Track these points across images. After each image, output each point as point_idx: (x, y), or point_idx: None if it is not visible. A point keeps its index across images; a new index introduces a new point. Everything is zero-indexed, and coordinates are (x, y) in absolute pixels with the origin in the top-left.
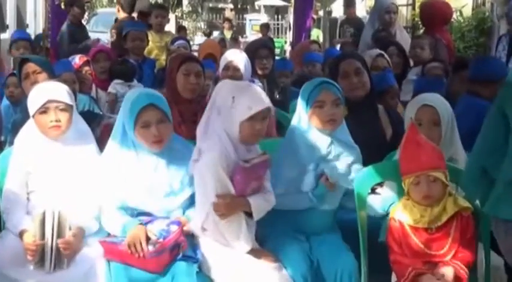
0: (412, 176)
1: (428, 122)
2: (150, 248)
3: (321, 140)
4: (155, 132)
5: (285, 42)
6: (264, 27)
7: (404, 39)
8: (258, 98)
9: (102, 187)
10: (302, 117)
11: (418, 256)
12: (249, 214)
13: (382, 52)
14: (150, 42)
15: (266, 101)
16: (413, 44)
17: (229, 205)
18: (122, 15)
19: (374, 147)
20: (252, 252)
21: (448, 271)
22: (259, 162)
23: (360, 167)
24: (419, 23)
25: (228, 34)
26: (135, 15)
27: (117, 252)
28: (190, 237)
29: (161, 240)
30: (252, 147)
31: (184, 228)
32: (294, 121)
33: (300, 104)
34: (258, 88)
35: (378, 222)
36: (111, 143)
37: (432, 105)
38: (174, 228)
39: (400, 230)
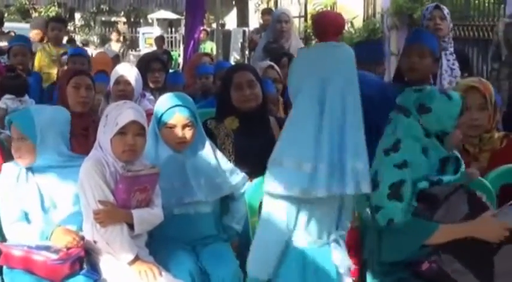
0: None
1: None
2: (54, 255)
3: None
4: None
5: (179, 55)
6: (160, 40)
7: None
8: (126, 113)
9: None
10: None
11: None
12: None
13: (272, 64)
14: (44, 56)
15: (134, 116)
16: None
17: (109, 213)
18: None
19: (266, 158)
20: (139, 262)
21: None
22: (145, 174)
23: None
24: (312, 34)
25: (116, 47)
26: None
27: (15, 258)
28: (92, 253)
29: (65, 249)
30: (140, 160)
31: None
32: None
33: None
34: (133, 105)
35: None
36: None
37: None
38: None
39: None
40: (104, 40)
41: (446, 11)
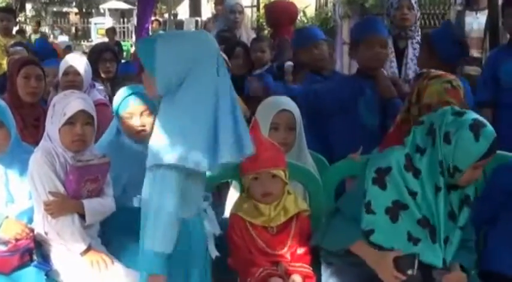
0: (252, 173)
1: (285, 126)
2: (2, 247)
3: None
4: None
5: (131, 45)
6: (110, 31)
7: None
8: (74, 103)
9: None
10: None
11: (261, 255)
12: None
13: (221, 52)
14: None
15: (82, 105)
16: (254, 47)
17: (59, 204)
18: None
19: None
20: (91, 253)
21: (297, 279)
22: (95, 164)
23: None
24: (264, 24)
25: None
26: None
27: None
28: (44, 244)
29: (13, 241)
30: (90, 150)
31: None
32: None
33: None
34: (81, 94)
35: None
36: None
37: (289, 110)
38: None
39: (242, 227)
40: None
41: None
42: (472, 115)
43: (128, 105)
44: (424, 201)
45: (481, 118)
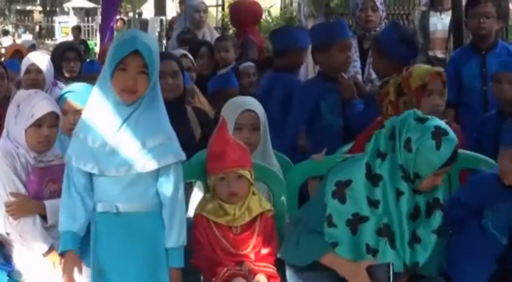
0: (219, 173)
1: (249, 126)
2: None
3: None
4: None
5: (95, 44)
6: (76, 30)
7: (214, 39)
8: (42, 104)
9: None
10: None
11: (225, 255)
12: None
13: (186, 52)
14: None
15: (50, 107)
16: (218, 47)
17: (21, 205)
18: None
19: (185, 148)
20: (53, 253)
21: (262, 279)
22: (57, 164)
23: None
24: (229, 23)
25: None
26: None
27: None
28: (5, 245)
29: None
30: (52, 151)
31: None
32: None
33: None
34: (47, 95)
35: None
36: None
37: (253, 110)
38: None
39: (207, 227)
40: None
41: (379, 0)
42: (435, 121)
43: (65, 101)
44: (386, 208)
45: (443, 125)
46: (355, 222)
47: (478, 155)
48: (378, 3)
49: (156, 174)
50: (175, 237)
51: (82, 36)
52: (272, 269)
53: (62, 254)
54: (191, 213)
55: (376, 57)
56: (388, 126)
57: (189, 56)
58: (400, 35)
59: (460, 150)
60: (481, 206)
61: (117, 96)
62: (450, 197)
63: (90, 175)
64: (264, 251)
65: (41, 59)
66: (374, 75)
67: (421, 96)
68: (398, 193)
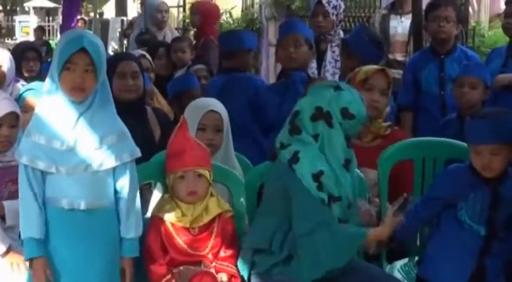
0: (178, 172)
1: (213, 127)
2: None
3: None
4: None
5: (56, 44)
6: (39, 30)
7: None
8: (2, 104)
9: None
10: None
11: (181, 255)
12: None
13: (145, 53)
14: None
15: (10, 107)
16: (175, 48)
17: None
18: None
19: (144, 149)
20: (11, 254)
21: (224, 277)
22: (16, 164)
23: None
24: (190, 24)
25: None
26: None
27: None
28: None
29: None
30: (12, 151)
31: None
32: None
33: None
34: (6, 95)
35: None
36: None
37: (217, 111)
38: None
39: (163, 228)
40: None
41: (332, 4)
42: (343, 83)
43: (25, 100)
44: (344, 185)
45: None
46: (330, 201)
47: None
48: (329, 9)
49: (113, 171)
50: (132, 228)
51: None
52: (233, 269)
53: (29, 261)
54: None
55: (344, 59)
56: (307, 108)
57: (148, 56)
58: (370, 36)
59: (447, 140)
60: (455, 199)
61: (67, 95)
62: (423, 195)
63: (43, 174)
64: (224, 252)
65: (1, 56)
66: (329, 78)
67: (362, 90)
68: (347, 162)
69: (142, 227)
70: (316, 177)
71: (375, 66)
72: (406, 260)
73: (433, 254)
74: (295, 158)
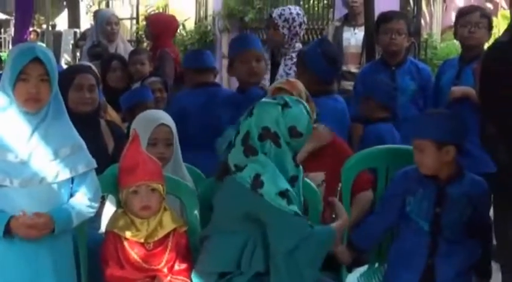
0: (131, 186)
1: (164, 141)
2: None
3: None
4: None
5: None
6: None
7: (128, 52)
8: None
9: None
10: None
11: (137, 270)
12: None
13: (91, 65)
14: None
15: None
16: (133, 60)
17: None
18: None
19: (98, 161)
20: None
21: None
22: None
23: None
24: (143, 36)
25: None
26: None
27: None
28: None
29: None
30: None
31: None
32: None
33: None
34: None
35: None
36: None
37: (167, 125)
38: None
39: (118, 243)
40: None
41: (283, 18)
42: (291, 98)
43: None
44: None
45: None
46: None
47: None
48: (279, 22)
49: (71, 183)
50: (82, 206)
51: None
52: None
53: None
54: (103, 228)
55: (300, 73)
56: (255, 129)
57: (94, 68)
58: (323, 50)
59: (411, 147)
60: (405, 194)
61: (21, 107)
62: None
63: None
64: (179, 265)
65: None
66: None
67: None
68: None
69: (97, 243)
70: (284, 194)
71: (273, 86)
72: (365, 267)
73: (392, 260)
74: (258, 183)
